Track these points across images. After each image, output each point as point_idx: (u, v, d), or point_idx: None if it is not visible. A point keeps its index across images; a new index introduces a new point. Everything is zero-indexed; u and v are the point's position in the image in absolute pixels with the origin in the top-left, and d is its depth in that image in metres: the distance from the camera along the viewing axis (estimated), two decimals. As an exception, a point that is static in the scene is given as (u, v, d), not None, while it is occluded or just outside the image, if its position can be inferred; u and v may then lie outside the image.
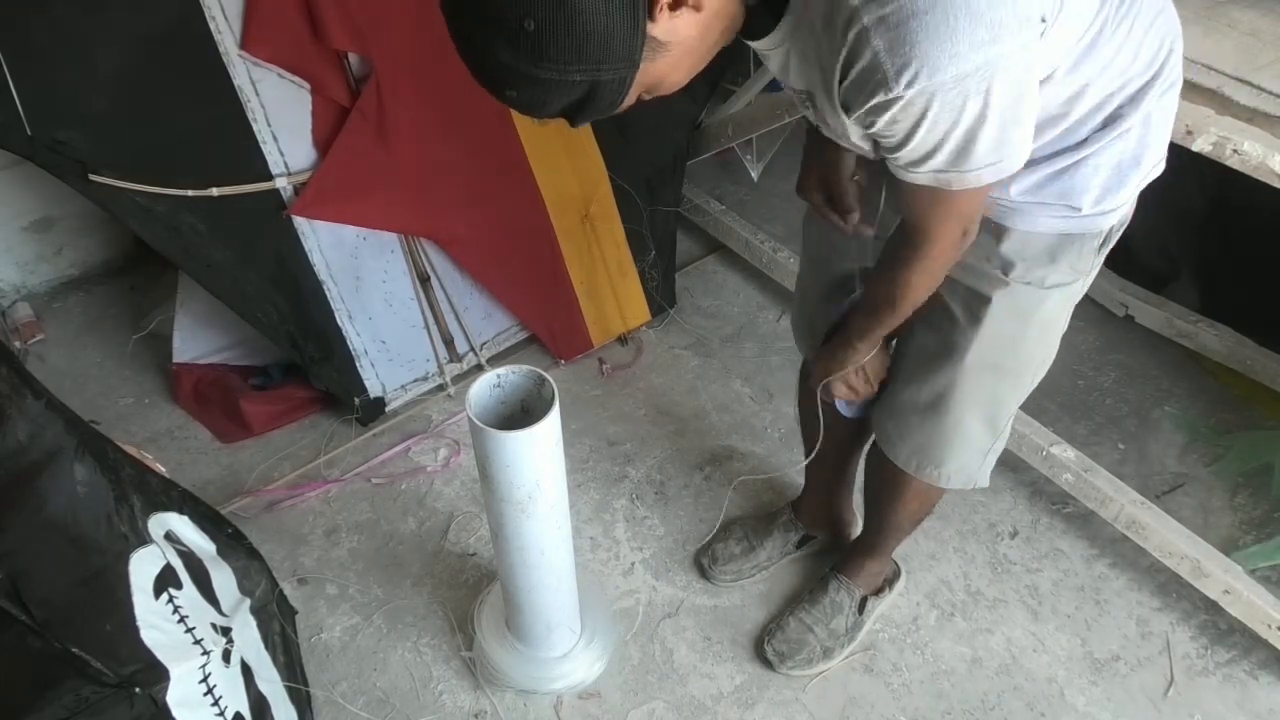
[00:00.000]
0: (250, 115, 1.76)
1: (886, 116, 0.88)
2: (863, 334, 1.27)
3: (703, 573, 1.84)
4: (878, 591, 1.76)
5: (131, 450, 1.37)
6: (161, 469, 1.43)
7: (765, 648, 1.70)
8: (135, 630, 1.17)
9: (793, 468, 2.01)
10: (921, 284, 1.13)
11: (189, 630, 1.25)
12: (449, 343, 2.19)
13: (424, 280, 2.08)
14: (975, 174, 0.94)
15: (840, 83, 0.88)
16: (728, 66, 2.34)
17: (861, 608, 1.74)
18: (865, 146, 1.00)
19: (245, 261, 1.87)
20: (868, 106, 0.87)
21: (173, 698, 1.17)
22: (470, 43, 0.83)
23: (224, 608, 1.38)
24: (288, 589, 1.75)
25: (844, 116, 0.93)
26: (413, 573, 1.88)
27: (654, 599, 1.83)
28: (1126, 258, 2.35)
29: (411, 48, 1.81)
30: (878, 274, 1.19)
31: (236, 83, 1.73)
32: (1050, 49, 0.92)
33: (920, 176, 0.96)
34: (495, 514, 1.39)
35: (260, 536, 1.83)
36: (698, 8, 0.82)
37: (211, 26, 1.67)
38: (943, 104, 0.85)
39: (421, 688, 1.70)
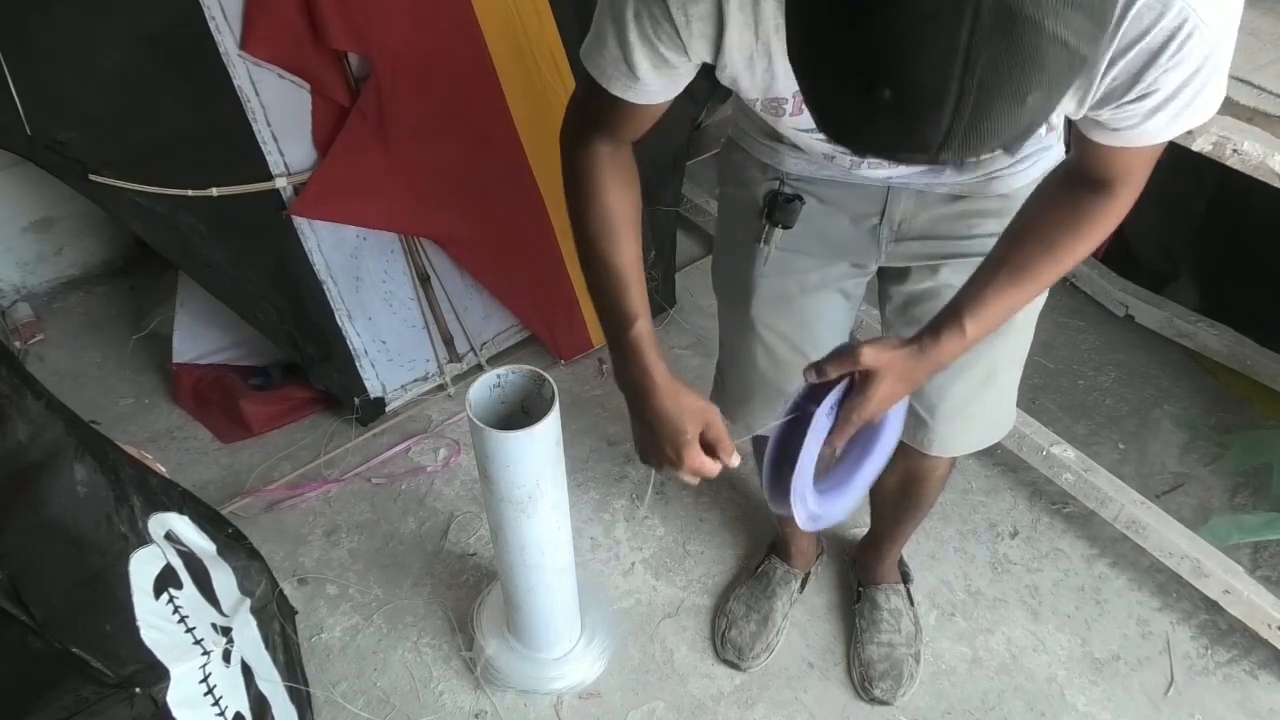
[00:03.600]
0: (250, 115, 1.76)
1: (1182, 69, 0.77)
2: (991, 323, 1.00)
3: (735, 666, 1.71)
4: (906, 576, 1.78)
5: (131, 450, 1.37)
6: (161, 469, 1.43)
7: (873, 690, 1.65)
8: (135, 630, 1.17)
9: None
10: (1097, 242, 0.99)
11: (189, 630, 1.25)
12: (449, 343, 2.19)
13: (424, 280, 2.08)
14: (1218, 99, 0.83)
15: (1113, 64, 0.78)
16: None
17: (910, 598, 1.75)
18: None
19: (245, 261, 1.87)
20: (1161, 68, 0.77)
21: (173, 698, 1.17)
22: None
23: (224, 608, 1.38)
24: (288, 589, 1.75)
25: (1076, 110, 0.83)
26: (413, 573, 1.88)
27: (654, 599, 1.83)
28: (1126, 258, 2.36)
29: (411, 48, 1.81)
30: (1028, 234, 0.98)
31: (236, 83, 1.72)
32: None
33: (1172, 128, 0.84)
34: (495, 514, 1.39)
35: (260, 536, 1.83)
36: None
37: (211, 26, 1.67)
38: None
39: (421, 688, 1.70)
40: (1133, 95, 0.80)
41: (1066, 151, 1.21)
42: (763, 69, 0.87)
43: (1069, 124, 1.17)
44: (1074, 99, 0.82)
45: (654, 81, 0.90)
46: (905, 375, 0.99)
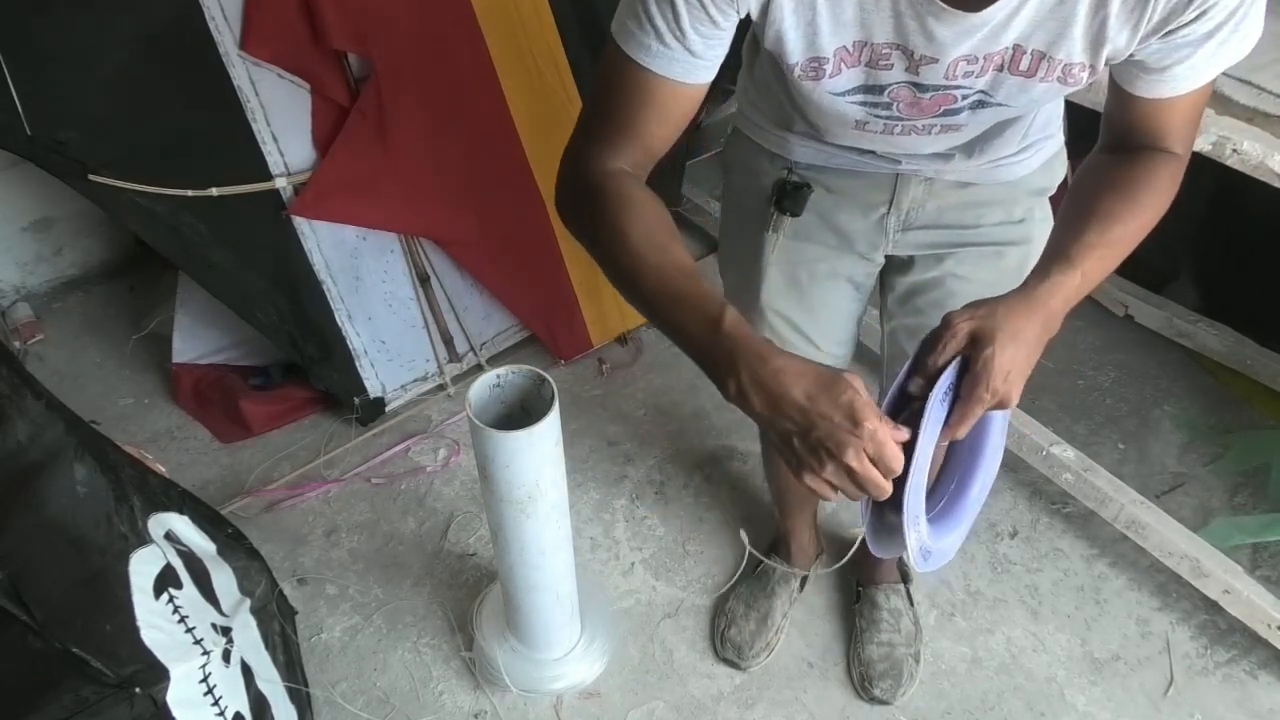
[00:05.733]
0: (250, 115, 1.76)
1: None
2: (1096, 265, 0.89)
3: (734, 666, 1.71)
4: (905, 576, 1.78)
5: (131, 450, 1.37)
6: (161, 469, 1.43)
7: (873, 690, 1.65)
8: (135, 630, 1.17)
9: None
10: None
11: (189, 630, 1.25)
12: (449, 343, 2.19)
13: (424, 280, 2.08)
14: (1261, 21, 0.82)
15: None
16: (728, 67, 2.34)
17: (910, 598, 1.75)
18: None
19: (245, 261, 1.87)
20: None
21: (173, 698, 1.17)
22: None
23: (224, 608, 1.38)
24: (288, 589, 1.75)
25: (1128, 43, 0.82)
26: (413, 573, 1.88)
27: (654, 599, 1.83)
28: (1126, 257, 2.36)
29: (411, 48, 1.81)
30: (1102, 188, 0.93)
31: (236, 83, 1.73)
32: None
33: (1220, 62, 0.84)
34: (495, 514, 1.39)
35: (260, 536, 1.83)
36: None
37: (211, 26, 1.67)
38: None
39: (421, 688, 1.70)
40: (1191, 12, 0.79)
41: (1068, 147, 1.21)
42: (807, 21, 0.83)
43: (1069, 112, 1.17)
44: (1128, 25, 0.81)
45: (703, 52, 0.86)
46: (1019, 331, 0.82)
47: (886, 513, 0.84)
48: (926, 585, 1.83)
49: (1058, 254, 0.87)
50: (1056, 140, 1.18)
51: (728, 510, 1.97)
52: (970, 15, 0.79)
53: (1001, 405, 0.83)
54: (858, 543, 0.92)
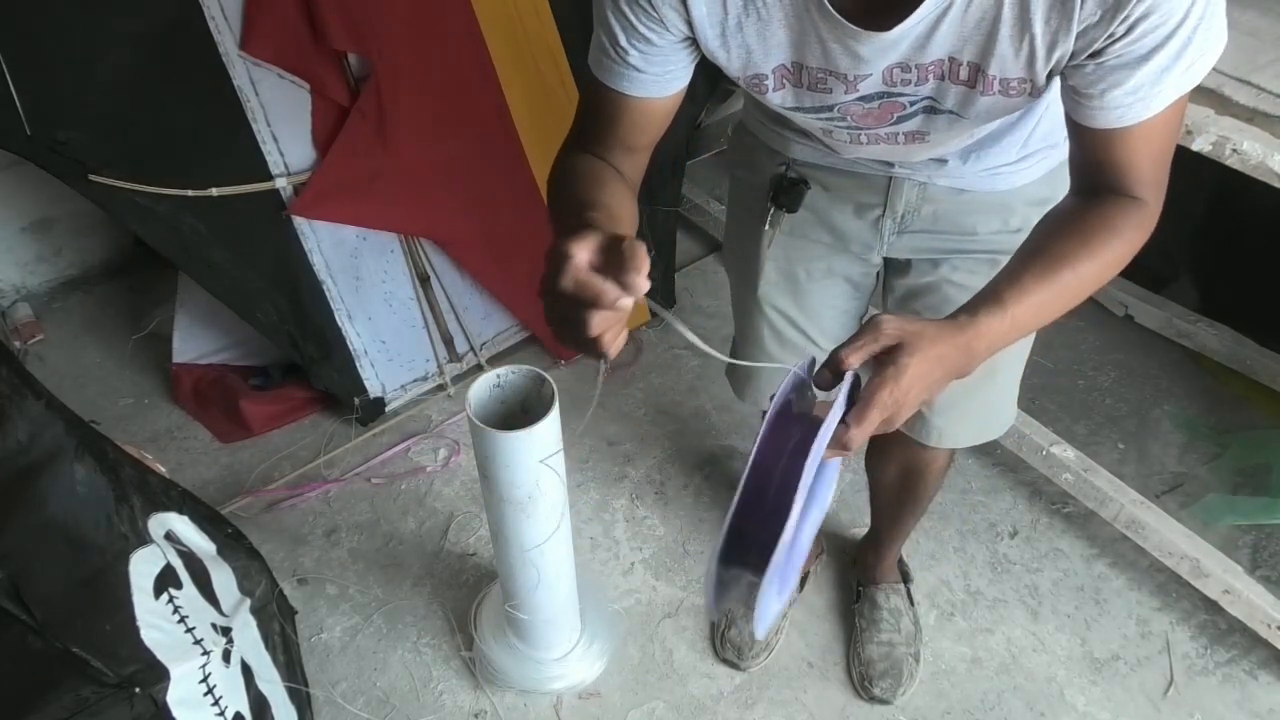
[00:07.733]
0: (250, 115, 1.76)
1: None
2: (1031, 310, 0.84)
3: (734, 666, 1.72)
4: (905, 576, 1.78)
5: (131, 450, 1.37)
6: (161, 469, 1.43)
7: (873, 689, 1.65)
8: (135, 630, 1.17)
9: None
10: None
11: (189, 630, 1.25)
12: (449, 343, 2.19)
13: (424, 280, 2.08)
14: (1215, 50, 0.78)
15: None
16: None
17: (910, 598, 1.76)
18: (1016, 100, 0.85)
19: (245, 261, 1.87)
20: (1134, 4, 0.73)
21: (173, 698, 1.17)
22: None
23: (224, 608, 1.38)
24: (288, 589, 1.75)
25: (1048, 59, 0.80)
26: (413, 573, 1.88)
27: (654, 599, 1.83)
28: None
29: (411, 48, 1.81)
30: (1059, 227, 0.89)
31: (236, 83, 1.73)
32: None
33: (1166, 90, 0.79)
34: (495, 514, 1.39)
35: (260, 536, 1.83)
36: None
37: (211, 26, 1.67)
38: None
39: (421, 688, 1.70)
40: (1119, 25, 0.75)
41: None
42: (738, 44, 0.86)
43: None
44: (1047, 41, 0.78)
45: (646, 67, 0.90)
46: (941, 354, 0.77)
47: (738, 562, 0.75)
48: (926, 585, 1.83)
49: (990, 295, 0.82)
50: (1061, 151, 1.15)
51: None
52: (884, 34, 0.80)
53: (889, 423, 0.77)
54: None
